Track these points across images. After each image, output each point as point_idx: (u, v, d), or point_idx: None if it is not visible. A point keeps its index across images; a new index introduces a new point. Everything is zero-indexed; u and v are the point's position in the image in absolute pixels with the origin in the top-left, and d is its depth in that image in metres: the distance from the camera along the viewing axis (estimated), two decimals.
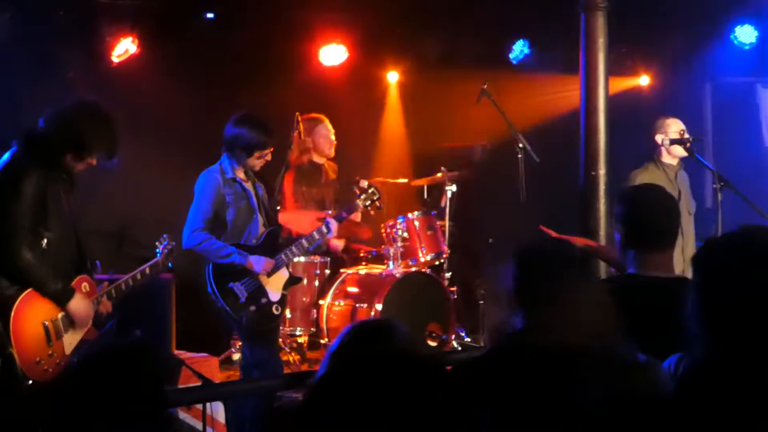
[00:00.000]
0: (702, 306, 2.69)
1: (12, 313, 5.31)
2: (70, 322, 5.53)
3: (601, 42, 7.35)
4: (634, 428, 2.72)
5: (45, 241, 5.44)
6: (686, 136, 7.61)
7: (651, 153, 7.62)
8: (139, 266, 6.50)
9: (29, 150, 5.47)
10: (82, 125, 5.53)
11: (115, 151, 5.68)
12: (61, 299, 5.48)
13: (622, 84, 10.44)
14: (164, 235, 6.30)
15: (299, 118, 7.91)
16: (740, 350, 2.60)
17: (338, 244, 8.50)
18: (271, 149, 6.72)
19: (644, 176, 7.46)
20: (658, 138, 7.57)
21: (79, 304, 5.54)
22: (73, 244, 5.70)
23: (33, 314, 5.40)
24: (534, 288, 3.11)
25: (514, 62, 10.22)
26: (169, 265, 6.27)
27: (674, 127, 7.56)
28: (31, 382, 5.30)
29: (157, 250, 6.22)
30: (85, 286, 5.68)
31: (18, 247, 5.31)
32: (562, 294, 3.03)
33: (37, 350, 5.39)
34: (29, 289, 5.38)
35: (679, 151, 7.57)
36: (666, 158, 7.58)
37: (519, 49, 10.20)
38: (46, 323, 5.44)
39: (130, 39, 8.61)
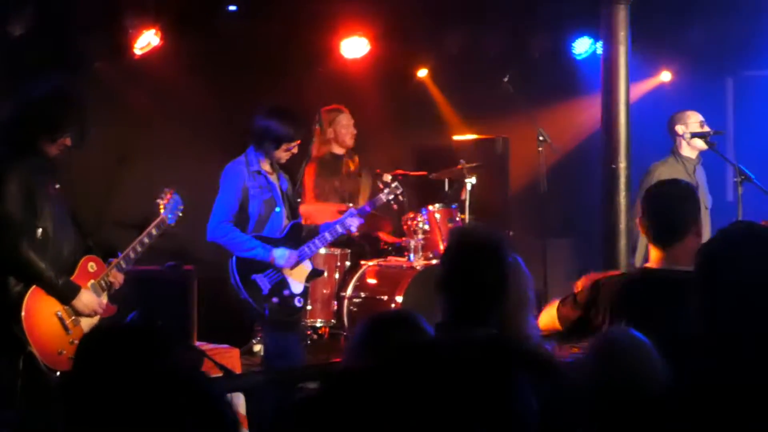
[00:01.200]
0: (704, 302, 2.71)
1: (23, 312, 5.30)
2: None
3: (622, 35, 7.31)
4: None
5: (39, 231, 5.39)
6: (706, 128, 7.61)
7: (670, 145, 7.63)
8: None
9: (3, 142, 5.43)
10: (50, 105, 5.46)
11: (87, 128, 5.57)
12: (65, 297, 5.45)
13: (645, 86, 10.46)
14: (165, 189, 6.16)
15: (321, 114, 7.96)
16: (741, 346, 2.62)
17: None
18: (299, 142, 6.74)
19: (663, 169, 7.46)
20: (679, 129, 7.57)
21: (83, 300, 5.52)
22: (69, 230, 5.65)
23: (44, 308, 5.40)
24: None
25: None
26: (172, 220, 6.08)
27: (693, 118, 7.58)
28: (58, 373, 5.31)
29: (164, 210, 6.07)
30: (91, 265, 5.68)
31: (16, 244, 5.29)
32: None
33: (56, 342, 5.40)
34: (34, 286, 5.36)
35: (699, 144, 7.57)
36: (685, 151, 7.59)
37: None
38: (59, 313, 5.44)
39: (153, 31, 8.62)
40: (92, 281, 5.63)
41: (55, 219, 5.51)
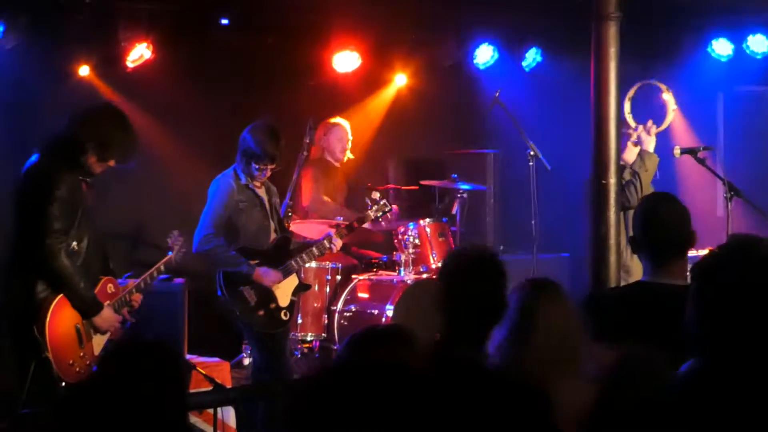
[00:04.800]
0: (699, 314, 2.73)
1: (48, 318, 5.41)
2: None
3: (612, 51, 7.29)
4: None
5: (75, 244, 5.54)
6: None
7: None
8: (149, 266, 6.61)
9: (56, 153, 5.55)
10: (106, 126, 5.66)
11: (134, 153, 5.81)
12: (90, 311, 5.59)
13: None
14: (174, 232, 6.43)
15: (311, 125, 7.98)
16: (737, 356, 2.64)
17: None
18: (271, 166, 6.72)
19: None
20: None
21: (104, 317, 5.66)
22: (99, 249, 5.82)
23: (67, 318, 5.52)
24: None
25: (527, 70, 10.22)
26: (179, 260, 6.41)
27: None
28: (64, 384, 5.41)
29: (169, 251, 6.36)
30: (110, 287, 5.83)
31: (56, 250, 5.41)
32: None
33: (70, 352, 5.52)
34: (61, 295, 5.47)
35: (633, 155, 7.51)
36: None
37: (532, 57, 10.22)
38: (78, 326, 5.58)
39: (144, 44, 8.66)
40: (109, 302, 5.76)
41: (90, 235, 5.67)
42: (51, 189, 5.42)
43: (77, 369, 5.49)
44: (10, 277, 5.52)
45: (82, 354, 5.55)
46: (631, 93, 7.56)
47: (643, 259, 4.35)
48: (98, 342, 5.66)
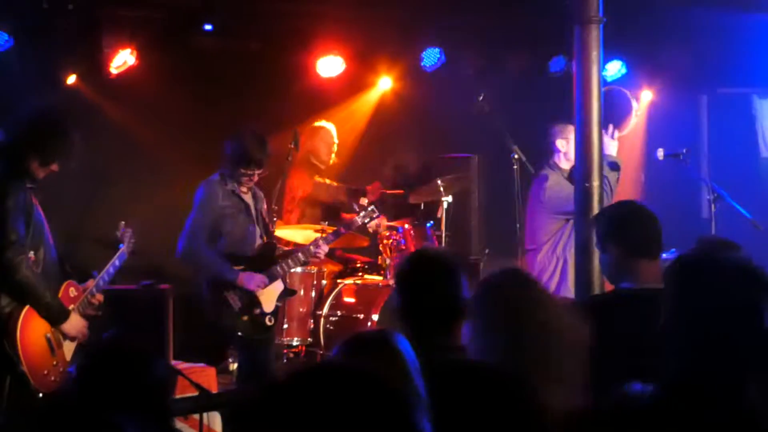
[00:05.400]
0: (673, 318, 2.75)
1: (18, 332, 5.39)
2: None
3: (594, 55, 7.29)
4: None
5: (32, 253, 5.50)
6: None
7: (549, 159, 7.68)
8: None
9: (1, 161, 5.53)
10: (46, 131, 5.63)
11: (75, 155, 5.74)
12: (57, 319, 5.57)
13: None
14: (121, 223, 6.41)
15: (297, 133, 7.99)
16: (710, 360, 2.65)
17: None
18: (258, 172, 6.74)
19: (558, 179, 7.55)
20: (560, 144, 7.61)
21: (72, 323, 5.66)
22: (54, 254, 5.78)
23: (36, 329, 5.51)
24: None
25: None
26: (126, 254, 6.34)
27: (567, 130, 7.51)
28: (41, 395, 5.41)
29: (120, 244, 6.33)
30: (72, 291, 5.81)
31: (16, 263, 5.38)
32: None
33: (43, 363, 5.52)
34: (27, 306, 5.45)
35: (567, 150, 7.57)
36: (563, 164, 7.63)
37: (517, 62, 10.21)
38: (48, 335, 5.57)
39: (128, 50, 8.66)
40: (73, 306, 5.75)
41: (45, 242, 5.64)
42: (4, 201, 5.39)
43: (52, 378, 5.50)
44: None
45: (55, 363, 5.55)
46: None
47: (611, 263, 4.41)
48: (68, 348, 5.67)
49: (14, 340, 5.36)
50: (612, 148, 7.35)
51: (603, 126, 7.37)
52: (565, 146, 7.56)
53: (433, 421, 2.22)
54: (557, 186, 7.47)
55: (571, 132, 7.48)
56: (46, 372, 5.48)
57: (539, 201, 7.49)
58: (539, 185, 7.56)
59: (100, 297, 5.94)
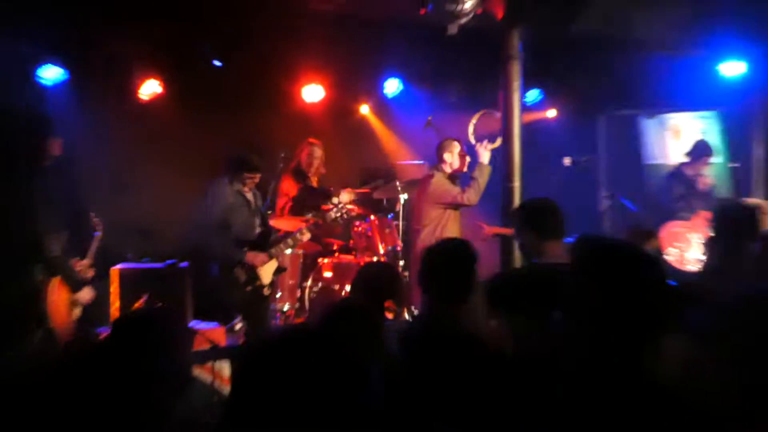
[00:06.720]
0: (578, 286, 2.59)
1: (48, 295, 5.40)
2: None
3: (515, 84, 7.32)
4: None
5: (57, 236, 5.50)
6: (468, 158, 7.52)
7: (438, 164, 7.53)
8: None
9: (20, 154, 5.41)
10: (37, 115, 5.55)
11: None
12: (75, 289, 5.59)
13: (536, 116, 10.54)
14: (91, 214, 6.32)
15: (284, 154, 8.03)
16: (610, 323, 2.46)
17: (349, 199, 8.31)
18: (258, 175, 6.75)
19: (443, 179, 7.45)
20: (446, 156, 7.47)
21: (84, 293, 5.67)
22: (72, 236, 5.76)
23: (60, 295, 5.51)
24: None
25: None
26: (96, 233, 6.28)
27: (458, 148, 7.48)
28: (64, 345, 5.44)
29: (95, 232, 6.26)
30: (78, 266, 5.88)
31: (50, 244, 5.37)
32: None
33: (63, 321, 5.52)
34: (55, 278, 5.46)
35: (458, 167, 7.51)
36: (447, 168, 7.49)
37: (454, 90, 10.22)
38: (67, 300, 5.57)
39: (154, 81, 8.67)
40: None
41: (63, 226, 5.61)
42: (30, 190, 5.34)
43: (68, 334, 5.52)
44: (16, 267, 5.44)
45: (69, 321, 5.58)
46: (474, 119, 7.53)
47: (527, 245, 4.48)
48: (76, 313, 5.69)
49: (45, 303, 5.38)
50: (485, 156, 7.31)
51: (479, 140, 7.46)
52: (450, 158, 7.44)
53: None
54: (439, 183, 7.34)
55: (456, 147, 7.47)
56: (65, 329, 5.50)
57: (426, 193, 7.33)
58: (427, 181, 7.42)
59: (91, 272, 5.96)
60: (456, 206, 7.33)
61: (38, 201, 5.31)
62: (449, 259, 3.86)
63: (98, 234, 6.21)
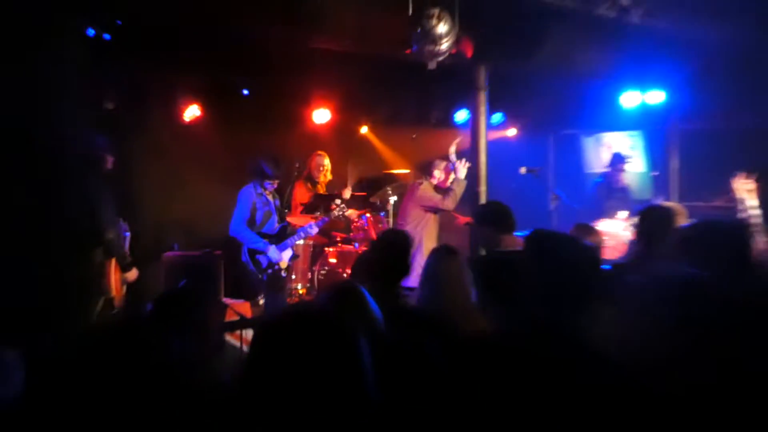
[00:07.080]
0: (530, 270, 2.52)
1: (110, 272, 5.47)
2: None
3: (482, 109, 7.42)
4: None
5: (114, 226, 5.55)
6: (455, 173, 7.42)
7: (427, 175, 7.49)
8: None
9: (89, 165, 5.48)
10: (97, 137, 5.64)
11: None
12: (125, 269, 5.64)
13: (499, 134, 10.60)
14: (120, 219, 6.15)
15: (299, 163, 8.03)
16: (554, 298, 2.39)
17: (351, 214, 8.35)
18: (278, 180, 6.76)
19: (425, 185, 7.40)
20: (436, 172, 7.42)
21: (132, 273, 5.72)
22: (121, 227, 5.81)
23: (116, 272, 5.58)
24: None
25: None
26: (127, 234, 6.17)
27: (443, 165, 7.44)
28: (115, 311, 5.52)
29: (126, 233, 6.16)
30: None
31: (108, 231, 5.43)
32: None
33: (119, 294, 5.61)
34: (112, 258, 5.51)
35: (442, 181, 7.46)
36: (434, 180, 7.44)
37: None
38: (120, 277, 5.63)
39: (195, 106, 8.66)
40: None
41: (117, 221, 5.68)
42: (100, 186, 5.44)
43: (119, 304, 5.59)
44: (85, 249, 5.49)
45: (121, 295, 5.64)
46: (454, 143, 7.50)
47: (486, 237, 4.52)
48: (123, 289, 5.73)
49: (106, 279, 5.44)
50: (461, 172, 7.27)
51: (459, 158, 7.32)
52: (438, 173, 7.42)
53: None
54: (426, 190, 7.28)
55: (443, 165, 7.42)
56: (119, 299, 5.57)
57: (413, 197, 7.27)
58: (416, 188, 7.35)
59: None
60: (436, 210, 7.33)
61: (100, 200, 5.37)
62: (389, 245, 3.88)
63: (128, 234, 6.16)
